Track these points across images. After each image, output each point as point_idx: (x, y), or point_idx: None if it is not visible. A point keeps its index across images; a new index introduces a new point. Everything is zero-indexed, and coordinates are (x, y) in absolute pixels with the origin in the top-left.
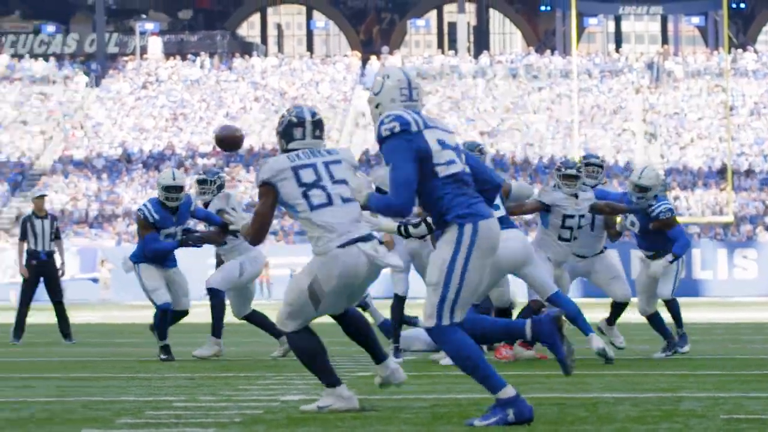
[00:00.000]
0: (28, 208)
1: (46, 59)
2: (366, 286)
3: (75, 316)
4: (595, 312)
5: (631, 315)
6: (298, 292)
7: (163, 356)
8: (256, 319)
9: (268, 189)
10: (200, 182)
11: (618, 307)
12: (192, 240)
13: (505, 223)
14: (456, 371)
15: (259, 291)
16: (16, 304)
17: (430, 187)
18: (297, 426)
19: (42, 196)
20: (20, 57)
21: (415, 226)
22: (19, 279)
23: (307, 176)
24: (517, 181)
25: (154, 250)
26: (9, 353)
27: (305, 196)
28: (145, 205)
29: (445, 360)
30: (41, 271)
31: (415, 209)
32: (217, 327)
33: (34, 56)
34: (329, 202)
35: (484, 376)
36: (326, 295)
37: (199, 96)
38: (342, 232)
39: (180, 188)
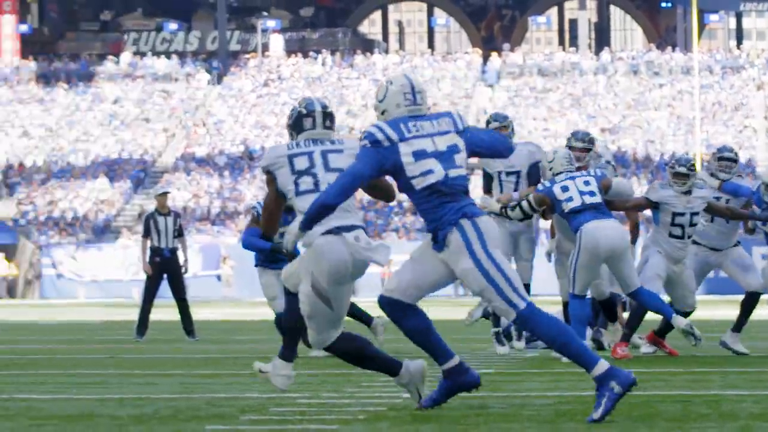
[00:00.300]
0: (150, 206)
1: (168, 57)
2: (355, 277)
3: (197, 313)
4: (721, 309)
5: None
6: (309, 299)
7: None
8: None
9: (269, 177)
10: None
11: (750, 302)
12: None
13: (602, 212)
14: (577, 368)
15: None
16: (139, 301)
17: (414, 200)
18: (420, 423)
19: (165, 194)
20: (142, 55)
21: (512, 208)
22: (143, 276)
23: (301, 164)
24: (619, 179)
25: (248, 245)
26: (133, 350)
27: (295, 183)
28: (259, 202)
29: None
30: (164, 268)
31: (501, 196)
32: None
33: (157, 54)
34: (315, 189)
35: (577, 353)
36: (330, 291)
37: (321, 93)
38: (328, 218)
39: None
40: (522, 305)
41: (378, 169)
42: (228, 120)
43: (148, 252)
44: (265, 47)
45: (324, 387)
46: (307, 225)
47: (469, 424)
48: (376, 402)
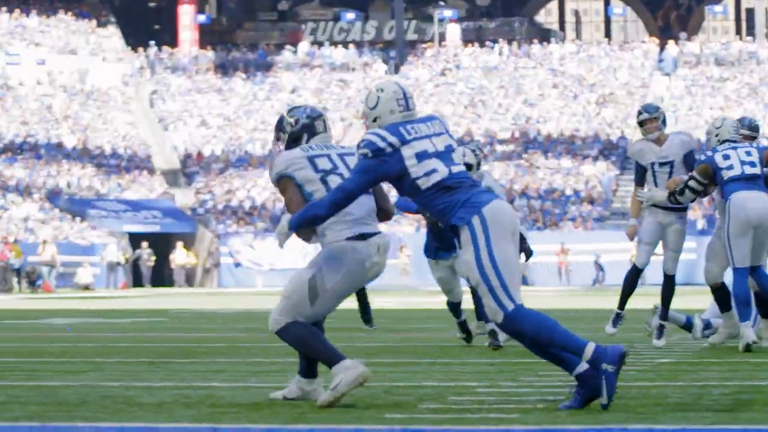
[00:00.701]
0: None
1: (346, 46)
2: (365, 284)
3: (375, 302)
4: None
5: None
6: (298, 285)
7: (458, 334)
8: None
9: (286, 180)
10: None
11: None
12: None
13: (756, 184)
14: (756, 357)
15: (558, 278)
16: None
17: (422, 200)
18: (600, 413)
19: None
20: (320, 44)
21: (680, 193)
22: None
23: (323, 164)
24: None
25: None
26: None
27: (324, 181)
28: None
29: (714, 338)
30: None
31: (670, 181)
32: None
33: (334, 44)
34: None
35: (566, 341)
36: (326, 292)
37: (498, 83)
38: (356, 221)
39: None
40: (510, 307)
41: (375, 182)
42: None
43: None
44: (442, 37)
45: (502, 376)
46: (298, 227)
47: (648, 414)
48: (555, 391)
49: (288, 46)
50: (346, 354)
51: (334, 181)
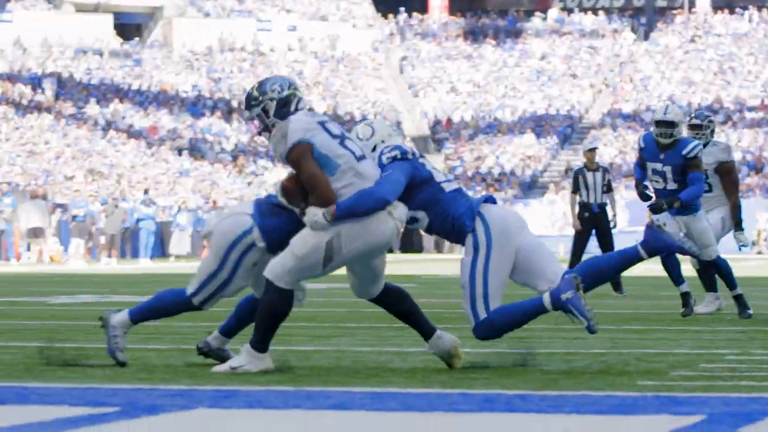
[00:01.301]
0: (577, 161)
1: (596, 13)
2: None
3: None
4: None
5: None
6: (314, 247)
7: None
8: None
9: (305, 146)
10: (692, 127)
11: None
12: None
13: None
14: None
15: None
16: (567, 256)
17: (440, 206)
18: None
19: (593, 149)
20: (570, 11)
21: None
22: (570, 231)
23: (335, 129)
24: None
25: None
26: None
27: (344, 146)
28: (642, 136)
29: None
30: (593, 224)
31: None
32: (709, 282)
33: (584, 10)
34: (363, 155)
35: (529, 313)
36: (342, 256)
37: (747, 50)
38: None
39: (671, 124)
40: (482, 317)
41: (408, 181)
42: (654, 76)
43: (577, 207)
44: (692, 3)
45: (753, 344)
46: (349, 216)
47: None
48: None
49: (538, 13)
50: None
51: (353, 146)
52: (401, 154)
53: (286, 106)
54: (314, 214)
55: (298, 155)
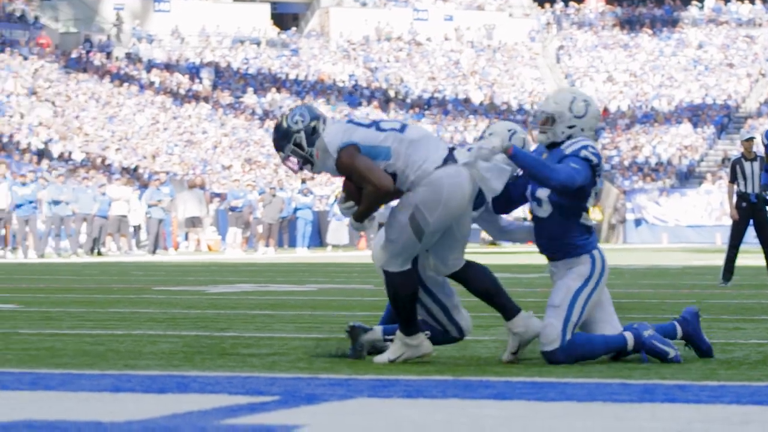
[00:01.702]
0: (733, 151)
1: (752, 2)
2: (470, 210)
3: None
4: None
5: None
6: (400, 228)
7: None
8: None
9: (350, 148)
10: None
11: None
12: None
13: None
14: None
15: None
16: (724, 246)
17: (579, 220)
18: None
19: (750, 139)
20: (727, 0)
21: None
22: (727, 221)
23: (365, 120)
24: None
25: None
26: (718, 295)
27: (382, 129)
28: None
29: None
30: (751, 214)
31: None
32: None
33: None
34: (403, 125)
35: (610, 348)
36: (431, 225)
37: None
38: (431, 153)
39: None
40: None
41: (581, 185)
42: None
43: (735, 197)
44: None
45: None
46: (518, 162)
47: None
48: None
49: (694, 2)
50: (753, 310)
51: (388, 123)
52: (596, 164)
53: (314, 133)
54: (490, 141)
55: (348, 158)
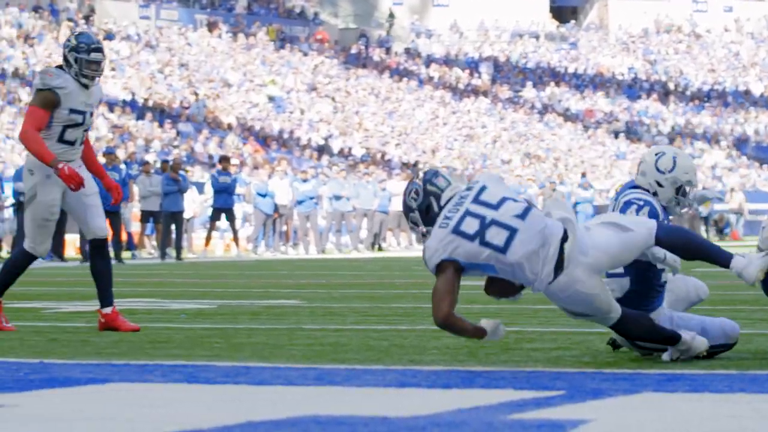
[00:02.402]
0: None
1: None
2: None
3: None
4: None
5: None
6: (599, 289)
7: None
8: None
9: (446, 265)
10: None
11: None
12: None
13: None
14: None
15: None
16: None
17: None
18: None
19: None
20: None
21: None
22: None
23: (471, 226)
24: None
25: None
26: None
27: (485, 244)
28: None
29: None
30: None
31: None
32: None
33: None
34: (512, 231)
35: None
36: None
37: None
38: (543, 243)
39: None
40: None
41: None
42: None
43: None
44: None
45: None
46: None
47: None
48: None
49: None
50: None
51: (493, 233)
52: (649, 214)
53: (429, 212)
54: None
55: (440, 274)
